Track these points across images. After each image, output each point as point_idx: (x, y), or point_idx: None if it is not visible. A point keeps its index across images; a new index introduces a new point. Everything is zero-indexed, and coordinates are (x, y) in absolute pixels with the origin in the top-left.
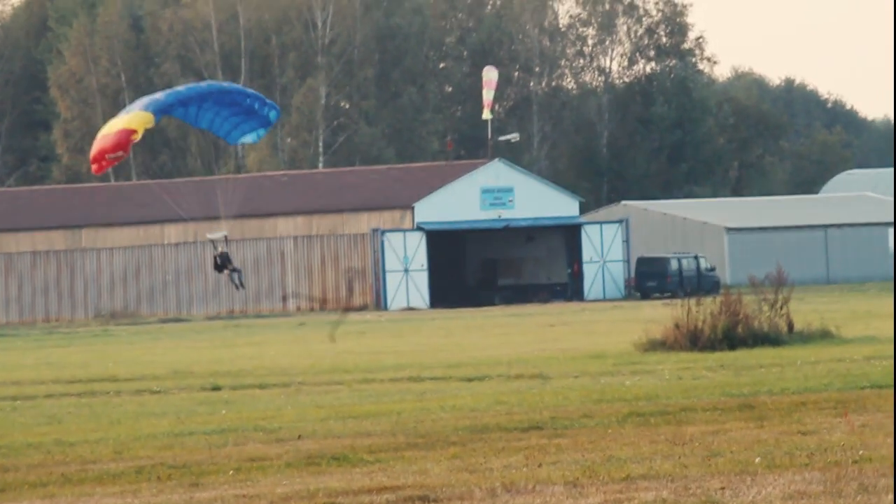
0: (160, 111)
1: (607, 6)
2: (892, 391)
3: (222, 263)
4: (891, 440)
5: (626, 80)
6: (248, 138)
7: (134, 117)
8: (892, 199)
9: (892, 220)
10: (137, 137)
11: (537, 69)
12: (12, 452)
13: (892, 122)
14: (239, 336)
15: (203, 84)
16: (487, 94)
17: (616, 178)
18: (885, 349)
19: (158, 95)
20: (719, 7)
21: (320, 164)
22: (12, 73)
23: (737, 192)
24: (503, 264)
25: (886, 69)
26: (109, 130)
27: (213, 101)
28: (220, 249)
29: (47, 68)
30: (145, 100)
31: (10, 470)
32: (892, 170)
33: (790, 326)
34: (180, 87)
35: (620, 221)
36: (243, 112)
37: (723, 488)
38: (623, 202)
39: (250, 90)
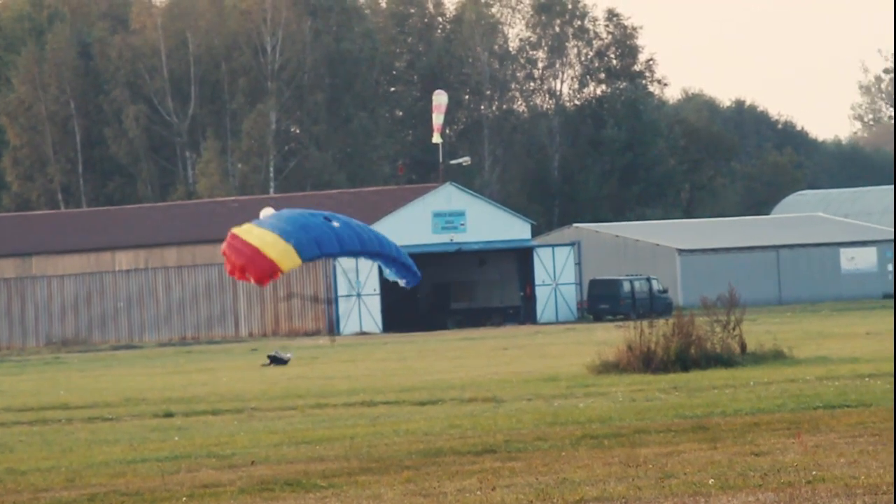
0: (313, 258)
1: (557, 29)
2: (845, 411)
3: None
4: (843, 460)
5: (577, 102)
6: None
7: (288, 256)
8: (843, 219)
9: (843, 240)
10: (278, 278)
11: (488, 92)
12: None
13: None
14: (191, 362)
15: (369, 239)
16: (437, 119)
17: (568, 200)
18: (837, 369)
19: (324, 235)
20: (669, 29)
21: (271, 190)
22: None
23: (688, 213)
24: (456, 288)
25: (837, 90)
26: (261, 246)
27: (377, 258)
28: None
29: None
30: (303, 236)
31: None
32: (843, 191)
33: (743, 347)
34: (343, 233)
35: (572, 244)
36: (397, 266)
37: None
38: (575, 225)
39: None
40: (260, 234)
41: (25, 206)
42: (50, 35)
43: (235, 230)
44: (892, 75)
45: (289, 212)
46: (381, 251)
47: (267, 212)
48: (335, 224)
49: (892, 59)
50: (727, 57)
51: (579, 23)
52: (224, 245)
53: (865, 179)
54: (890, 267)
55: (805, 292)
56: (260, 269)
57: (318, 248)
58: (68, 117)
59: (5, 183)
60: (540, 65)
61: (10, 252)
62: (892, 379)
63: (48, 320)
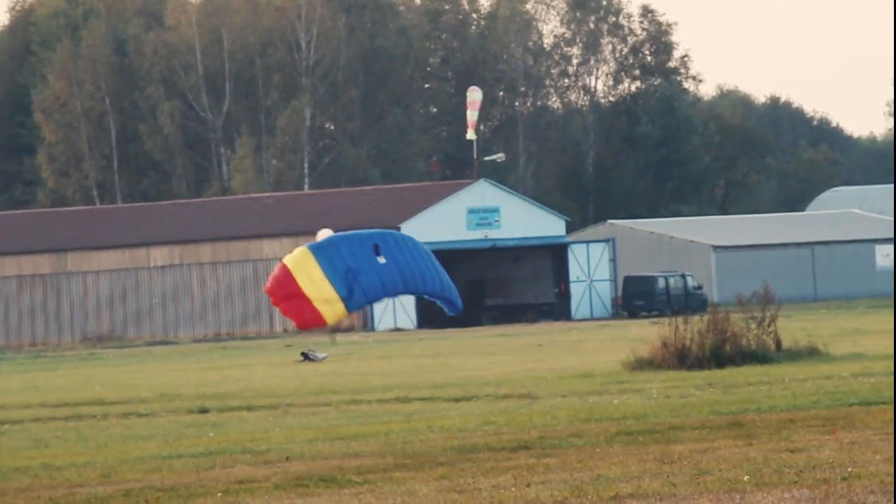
0: (358, 308)
1: (592, 25)
2: (880, 408)
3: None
4: (879, 457)
5: (612, 99)
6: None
7: (335, 313)
8: (878, 216)
9: (878, 237)
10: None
11: (522, 89)
12: None
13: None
14: (226, 358)
15: (412, 276)
16: (471, 115)
17: (602, 197)
18: (872, 366)
19: (370, 283)
20: (704, 26)
21: (306, 186)
22: None
23: (723, 210)
24: (490, 284)
25: (872, 86)
26: (313, 297)
27: (419, 294)
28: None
29: (31, 92)
30: (355, 286)
31: None
32: (878, 187)
33: (778, 344)
34: (388, 276)
35: (607, 241)
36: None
37: None
38: (609, 221)
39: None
40: (314, 280)
41: (61, 203)
42: (85, 32)
43: (289, 263)
44: None
45: (343, 242)
46: (422, 289)
47: (325, 234)
48: (381, 260)
49: None
50: (762, 53)
51: (614, 19)
52: (274, 276)
53: None
54: None
55: (840, 289)
56: (306, 320)
57: (364, 297)
58: (103, 114)
59: (41, 179)
60: (574, 61)
61: (46, 248)
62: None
63: (83, 316)
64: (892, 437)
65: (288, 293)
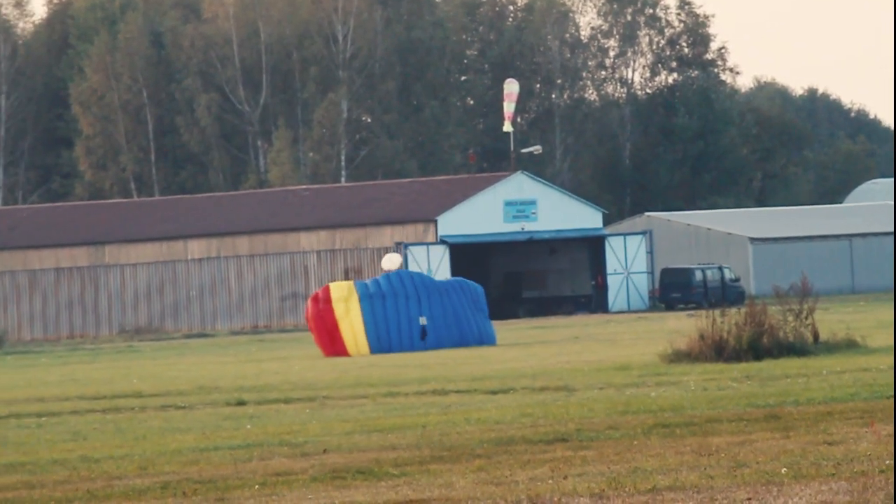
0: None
1: (629, 17)
2: None
3: None
4: None
5: (649, 91)
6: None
7: (357, 345)
8: None
9: None
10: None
11: (559, 81)
12: (38, 469)
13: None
14: (263, 350)
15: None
16: (508, 107)
17: (639, 189)
18: None
19: (396, 342)
20: (741, 17)
21: (343, 179)
22: (34, 90)
23: (760, 202)
24: (527, 277)
25: None
26: (349, 345)
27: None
28: None
29: (69, 85)
30: (385, 346)
31: (36, 487)
32: None
33: (815, 336)
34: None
35: (644, 233)
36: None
37: (749, 499)
38: (646, 213)
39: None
40: (356, 331)
41: (98, 195)
42: (122, 24)
43: (337, 313)
44: None
45: (404, 289)
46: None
47: (392, 261)
48: (423, 322)
49: None
50: (799, 45)
51: (651, 11)
52: (316, 308)
53: None
54: None
55: (878, 281)
56: (333, 353)
57: (388, 350)
58: (141, 106)
59: (78, 172)
60: (611, 53)
61: (84, 241)
62: None
63: (121, 309)
64: None
65: (330, 339)
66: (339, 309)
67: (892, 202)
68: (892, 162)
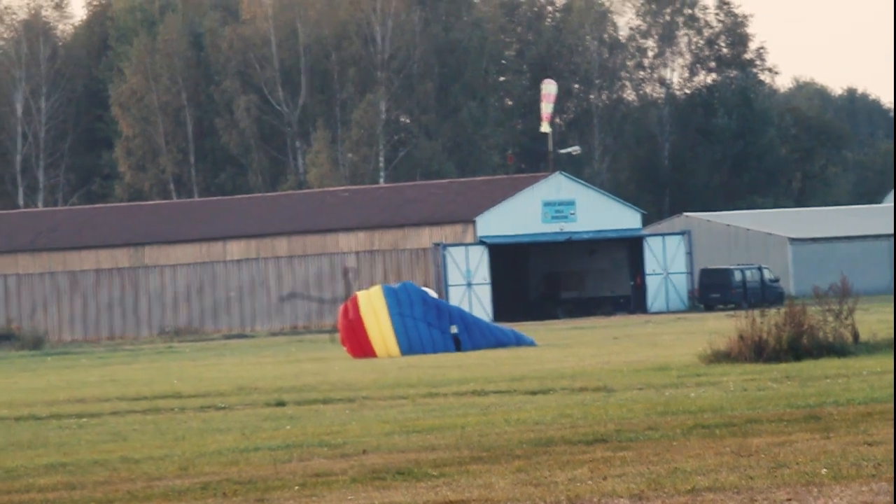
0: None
1: (668, 18)
2: None
3: None
4: None
5: (687, 91)
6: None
7: (388, 354)
8: None
9: None
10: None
11: (597, 81)
12: (78, 470)
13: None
14: (302, 351)
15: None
16: (546, 108)
17: (678, 189)
18: None
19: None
20: (780, 17)
21: (381, 179)
22: (74, 92)
23: (800, 202)
24: (566, 277)
25: None
26: (376, 345)
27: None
28: None
29: (108, 87)
30: (414, 347)
31: (77, 487)
32: None
33: (855, 337)
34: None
35: (683, 233)
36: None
37: (789, 500)
38: (685, 214)
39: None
40: (384, 334)
41: (138, 197)
42: (162, 26)
43: (366, 320)
44: None
45: (435, 311)
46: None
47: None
48: (454, 331)
49: None
50: (839, 45)
51: (689, 11)
52: (347, 321)
53: None
54: None
55: None
56: (361, 355)
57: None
58: (180, 108)
59: (118, 173)
60: (650, 53)
61: (124, 242)
62: None
63: (161, 310)
64: None
65: (360, 343)
66: (368, 318)
67: None
68: None
